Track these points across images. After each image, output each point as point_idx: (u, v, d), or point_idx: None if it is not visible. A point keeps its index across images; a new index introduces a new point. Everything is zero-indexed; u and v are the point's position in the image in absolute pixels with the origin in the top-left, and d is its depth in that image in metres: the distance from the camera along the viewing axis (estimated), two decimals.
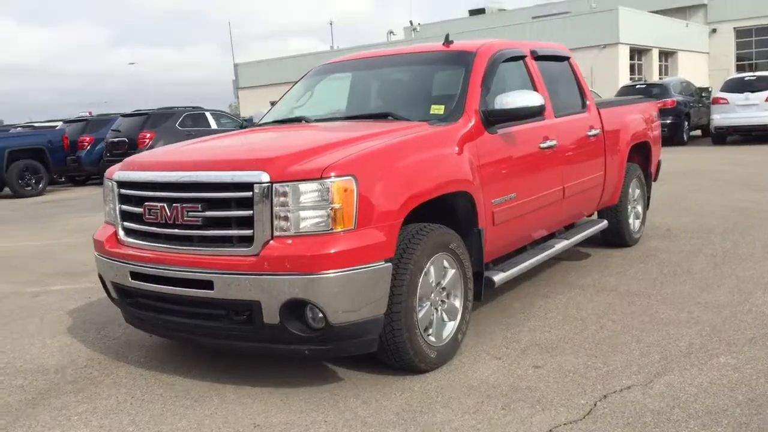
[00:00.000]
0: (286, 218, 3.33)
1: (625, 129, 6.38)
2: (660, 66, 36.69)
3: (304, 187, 3.32)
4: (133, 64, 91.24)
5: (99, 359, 4.34)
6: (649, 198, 7.23)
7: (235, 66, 48.13)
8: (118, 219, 3.93)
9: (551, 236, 5.52)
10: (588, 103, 5.86)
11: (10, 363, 4.38)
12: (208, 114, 17.62)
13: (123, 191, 3.90)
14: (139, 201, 3.78)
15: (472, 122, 4.27)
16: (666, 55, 37.37)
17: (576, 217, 5.85)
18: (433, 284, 3.83)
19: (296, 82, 5.45)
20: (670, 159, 15.03)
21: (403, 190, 3.54)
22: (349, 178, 3.35)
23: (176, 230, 3.61)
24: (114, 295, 4.03)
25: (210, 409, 3.49)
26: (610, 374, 3.68)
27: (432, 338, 3.82)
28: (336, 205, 3.31)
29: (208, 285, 3.44)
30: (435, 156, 3.87)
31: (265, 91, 46.35)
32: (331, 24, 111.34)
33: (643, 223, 6.97)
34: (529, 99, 4.35)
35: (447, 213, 4.14)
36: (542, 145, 4.90)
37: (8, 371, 4.23)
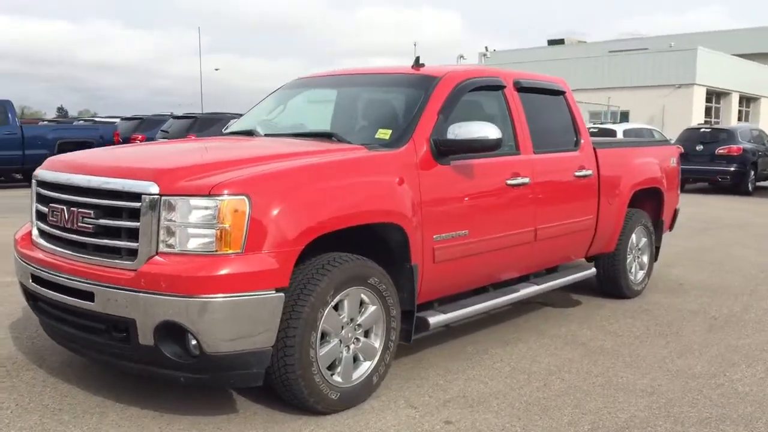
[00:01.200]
0: (172, 234, 3.12)
1: (628, 172, 5.92)
2: (740, 111, 35.13)
3: (192, 202, 3.10)
4: (218, 70, 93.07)
5: (16, 359, 4.23)
6: (658, 248, 6.70)
7: None
8: (34, 218, 3.82)
9: (524, 278, 5.13)
10: (582, 141, 5.45)
11: None
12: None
13: (39, 190, 3.78)
14: (47, 201, 3.65)
15: (420, 151, 3.97)
16: (748, 100, 35.77)
17: (557, 260, 5.43)
18: (345, 320, 3.54)
19: (269, 95, 5.26)
20: (723, 208, 14.25)
21: (305, 216, 3.27)
22: (242, 197, 3.11)
23: (73, 235, 3.45)
24: (24, 296, 3.91)
25: (82, 428, 3.30)
26: None
27: (337, 378, 3.53)
28: (224, 225, 3.08)
29: (90, 296, 3.26)
30: (357, 183, 3.59)
31: None
32: (415, 45, 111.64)
33: (648, 274, 6.45)
34: (483, 131, 4.02)
35: (380, 245, 3.85)
36: (510, 182, 4.54)
37: None
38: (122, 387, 3.78)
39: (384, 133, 4.07)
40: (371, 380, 3.68)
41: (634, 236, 6.18)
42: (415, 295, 3.89)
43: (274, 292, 3.16)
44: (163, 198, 3.12)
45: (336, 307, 3.50)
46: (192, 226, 3.10)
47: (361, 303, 3.63)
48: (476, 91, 4.62)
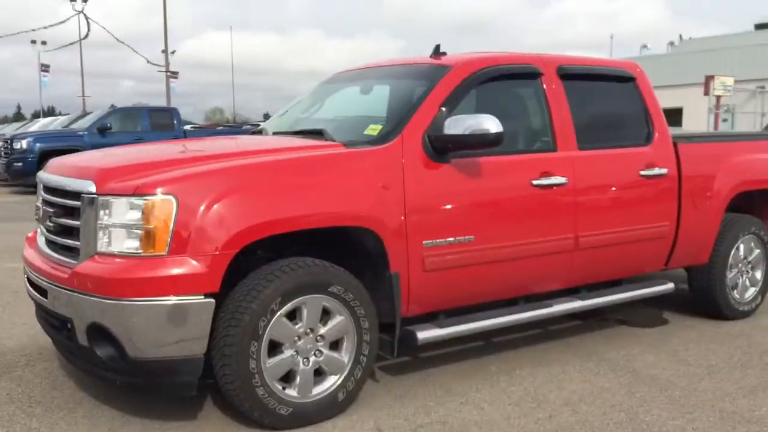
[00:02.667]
0: (106, 234, 3.08)
1: (726, 171, 5.03)
2: None
3: (120, 202, 3.04)
4: None
5: (36, 352, 4.45)
6: None
7: None
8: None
9: (574, 291, 4.53)
10: (656, 135, 4.70)
11: None
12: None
13: (40, 190, 3.94)
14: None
15: (409, 148, 3.62)
16: None
17: (621, 272, 4.72)
18: (302, 330, 3.30)
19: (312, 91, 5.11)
20: None
21: (240, 218, 3.08)
22: (168, 198, 2.99)
23: (47, 234, 3.55)
24: None
25: (41, 421, 3.37)
26: None
27: (292, 392, 3.30)
28: (149, 227, 2.98)
29: (45, 293, 3.32)
30: (313, 183, 3.33)
31: None
32: (611, 37, 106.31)
33: (763, 293, 5.45)
34: (481, 124, 3.57)
35: (359, 250, 3.56)
36: (538, 182, 4.01)
37: None
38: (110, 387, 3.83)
39: (373, 129, 3.76)
40: (336, 396, 3.40)
41: (742, 246, 5.25)
42: (396, 306, 3.54)
43: (202, 297, 3.01)
44: (99, 197, 3.09)
45: (292, 316, 3.27)
46: (121, 226, 3.04)
47: (327, 312, 3.37)
48: (501, 80, 4.14)
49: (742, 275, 5.34)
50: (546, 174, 4.06)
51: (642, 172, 4.54)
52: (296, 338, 3.29)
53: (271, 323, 3.18)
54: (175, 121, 16.63)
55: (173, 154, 3.66)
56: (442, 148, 3.66)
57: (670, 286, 4.89)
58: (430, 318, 3.91)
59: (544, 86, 4.24)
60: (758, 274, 5.42)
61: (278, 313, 3.19)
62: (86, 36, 46.35)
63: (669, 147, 4.74)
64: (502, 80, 4.16)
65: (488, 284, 3.98)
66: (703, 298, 5.26)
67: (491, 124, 3.57)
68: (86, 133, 15.97)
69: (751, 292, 5.41)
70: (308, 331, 3.32)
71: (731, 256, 5.19)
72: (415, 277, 3.62)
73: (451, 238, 3.71)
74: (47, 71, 55.24)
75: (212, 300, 3.03)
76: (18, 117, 68.75)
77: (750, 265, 5.38)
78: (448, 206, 3.71)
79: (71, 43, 56.23)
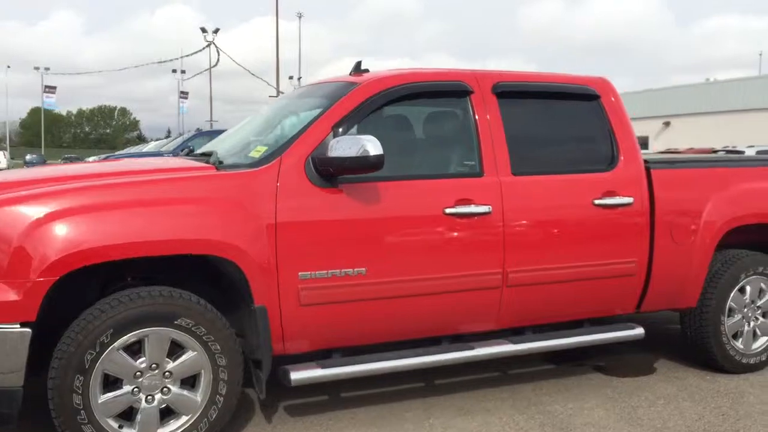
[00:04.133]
0: None
1: (717, 200, 4.35)
2: None
3: None
4: None
5: None
6: None
7: None
8: None
9: (519, 332, 4.05)
10: (620, 159, 4.14)
11: None
12: None
13: None
14: None
15: (287, 171, 3.33)
16: None
17: (573, 313, 4.15)
18: (145, 365, 3.08)
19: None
20: None
21: (62, 243, 2.90)
22: None
23: None
24: None
25: None
26: None
27: (131, 431, 3.08)
28: None
29: None
30: (164, 207, 3.11)
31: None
32: (760, 55, 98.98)
33: None
34: (358, 147, 3.23)
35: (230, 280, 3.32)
36: (451, 210, 3.60)
37: None
38: None
39: (257, 151, 3.51)
40: None
41: (748, 288, 4.53)
42: (262, 342, 3.25)
43: (17, 326, 2.85)
44: None
45: (133, 350, 3.06)
46: None
47: (178, 346, 3.13)
48: (419, 98, 3.79)
49: (748, 322, 4.59)
50: (464, 201, 3.63)
51: (597, 201, 3.99)
52: (137, 373, 3.07)
53: (102, 357, 2.97)
54: None
55: (19, 176, 3.55)
56: (325, 171, 3.35)
57: (639, 331, 4.25)
58: (325, 356, 3.57)
59: (473, 105, 3.82)
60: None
61: (111, 346, 2.98)
62: (216, 64, 49.44)
63: (638, 173, 4.15)
64: (419, 99, 3.80)
65: (389, 322, 3.59)
66: (695, 347, 4.57)
67: (370, 147, 3.22)
68: (170, 154, 16.62)
69: (762, 342, 4.64)
70: (153, 366, 3.09)
71: (730, 299, 4.48)
72: (289, 311, 3.31)
73: (336, 271, 3.37)
74: (185, 98, 59.46)
75: (28, 330, 2.87)
76: (144, 140, 73.59)
77: (760, 311, 4.62)
78: (334, 236, 3.38)
79: (202, 72, 60.00)
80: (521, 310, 3.91)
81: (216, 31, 46.62)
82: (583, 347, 4.23)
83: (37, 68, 62.93)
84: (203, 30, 45.85)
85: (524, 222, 3.80)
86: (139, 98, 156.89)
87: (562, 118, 4.15)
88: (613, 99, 4.25)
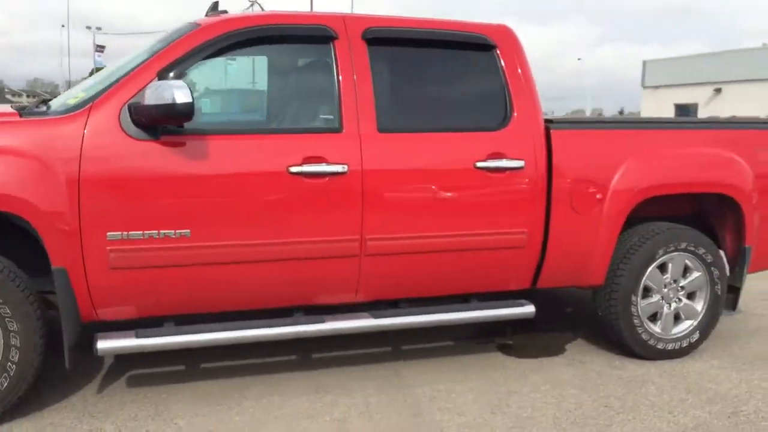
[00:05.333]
0: None
1: (629, 167, 3.88)
2: None
3: None
4: (579, 59, 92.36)
5: None
6: (737, 291, 4.33)
7: (644, 63, 44.73)
8: None
9: (393, 304, 3.70)
10: (514, 118, 3.69)
11: None
12: None
13: None
14: None
15: (96, 120, 3.02)
16: None
17: (450, 287, 3.76)
18: None
19: None
20: None
21: None
22: None
23: None
24: None
25: None
26: None
27: None
28: None
29: None
30: None
31: (670, 92, 42.35)
32: None
33: (702, 330, 4.20)
34: (166, 94, 2.89)
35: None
36: (297, 169, 3.24)
37: None
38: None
39: (75, 98, 3.20)
40: None
41: (670, 266, 4.08)
42: (65, 307, 2.98)
43: None
44: None
45: None
46: None
47: None
48: (270, 43, 3.41)
49: (669, 303, 4.13)
50: (314, 159, 3.27)
51: (479, 164, 3.57)
52: None
53: None
54: None
55: None
56: (139, 121, 3.02)
57: (527, 309, 3.85)
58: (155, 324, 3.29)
59: (336, 52, 3.42)
60: (698, 305, 4.18)
61: None
62: None
63: (535, 133, 3.71)
64: (275, 44, 3.42)
65: (225, 290, 3.28)
66: (606, 329, 4.15)
67: (179, 94, 2.87)
68: None
69: (685, 326, 4.19)
70: None
71: (645, 277, 4.02)
72: (96, 275, 3.03)
73: (154, 232, 3.06)
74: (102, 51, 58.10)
75: None
76: None
77: (683, 292, 4.16)
78: (150, 193, 3.06)
79: None
80: (385, 281, 3.55)
81: None
82: (495, 322, 3.88)
83: (89, 27, 63.55)
84: None
85: (388, 185, 3.42)
86: None
87: (446, 70, 3.71)
88: (512, 50, 3.78)
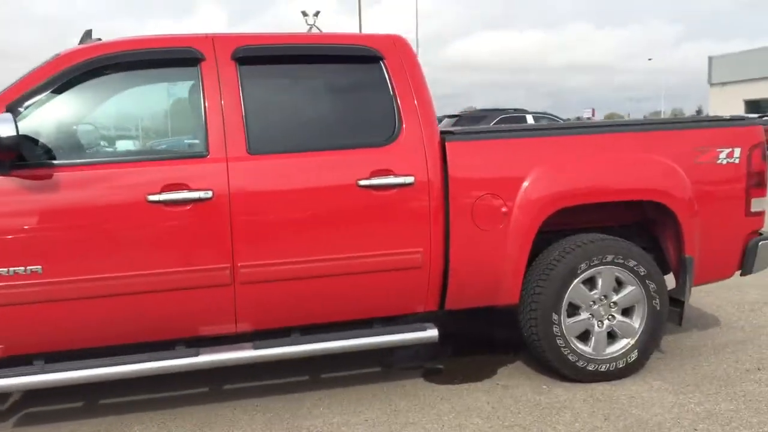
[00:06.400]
0: None
1: (535, 177, 3.61)
2: None
3: None
4: (650, 60, 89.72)
5: None
6: (681, 305, 3.96)
7: (709, 59, 43.02)
8: None
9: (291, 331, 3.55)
10: (403, 132, 3.50)
11: None
12: (528, 116, 16.33)
13: None
14: None
15: None
16: None
17: (341, 312, 3.54)
18: None
19: None
20: None
21: None
22: None
23: None
24: None
25: None
26: None
27: None
28: None
29: None
30: None
31: (740, 88, 40.57)
32: None
33: (640, 348, 3.85)
34: None
35: None
36: (156, 198, 3.15)
37: None
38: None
39: None
40: None
41: (599, 280, 3.77)
42: None
43: None
44: None
45: None
46: None
47: None
48: (135, 68, 3.33)
49: (600, 321, 3.82)
50: (174, 187, 3.17)
51: (363, 182, 3.39)
52: None
53: None
54: None
55: None
56: None
57: (430, 333, 3.61)
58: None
59: (203, 75, 3.33)
60: (635, 322, 3.85)
61: None
62: None
63: (427, 147, 3.50)
64: (137, 70, 3.34)
65: (88, 325, 3.20)
66: (531, 350, 3.87)
67: (1, 128, 2.83)
68: None
69: (622, 345, 3.86)
70: None
71: (568, 293, 3.73)
72: None
73: (3, 270, 3.02)
74: None
75: None
76: None
77: (616, 308, 3.83)
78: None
79: None
80: (267, 310, 3.40)
81: (317, 14, 46.71)
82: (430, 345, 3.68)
83: None
84: (304, 13, 45.78)
85: (259, 209, 3.28)
86: None
87: (327, 86, 3.56)
88: (402, 61, 3.59)
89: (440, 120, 18.41)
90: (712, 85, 42.60)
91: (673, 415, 3.37)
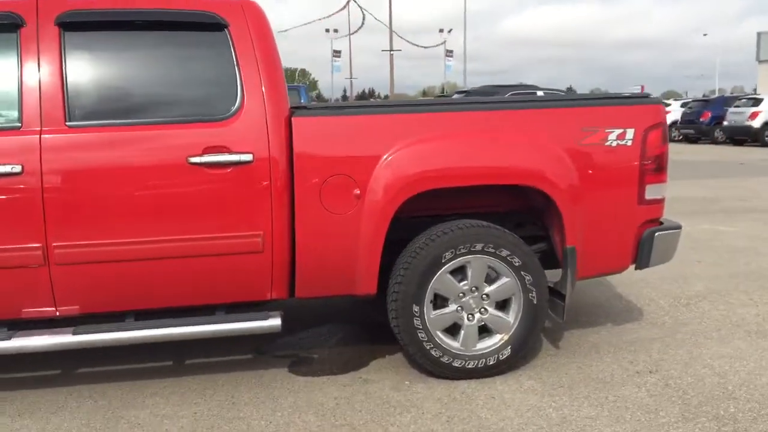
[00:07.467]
0: None
1: (393, 158, 3.33)
2: None
3: None
4: (705, 35, 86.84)
5: None
6: (563, 297, 3.64)
7: (758, 35, 41.15)
8: None
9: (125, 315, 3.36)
10: (244, 106, 3.24)
11: None
12: (539, 93, 15.80)
13: None
14: None
15: None
16: None
17: (173, 298, 3.32)
18: None
19: None
20: None
21: None
22: None
23: None
24: None
25: None
26: None
27: None
28: None
29: None
30: None
31: None
32: None
33: (515, 343, 3.56)
34: None
35: None
36: None
37: None
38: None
39: None
40: None
41: (469, 270, 3.49)
42: None
43: None
44: None
45: None
46: None
47: None
48: None
49: (470, 314, 3.53)
50: None
51: (194, 159, 3.16)
52: None
53: None
54: (301, 99, 16.58)
55: None
56: None
57: (272, 323, 3.36)
58: None
59: (21, 41, 3.12)
60: (508, 315, 3.55)
61: None
62: (361, 25, 50.71)
63: (271, 123, 3.24)
64: None
65: None
66: (402, 344, 3.61)
67: None
68: None
69: (495, 341, 3.57)
70: None
71: (432, 284, 3.45)
72: None
73: None
74: (338, 56, 61.23)
75: None
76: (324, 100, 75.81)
77: (489, 301, 3.54)
78: None
79: (354, 31, 61.30)
80: (90, 293, 3.20)
81: None
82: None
83: None
84: None
85: (75, 185, 3.08)
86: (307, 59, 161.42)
87: (164, 56, 3.30)
88: (250, 29, 3.32)
89: (451, 96, 17.97)
90: (760, 62, 40.80)
91: (523, 420, 3.08)
